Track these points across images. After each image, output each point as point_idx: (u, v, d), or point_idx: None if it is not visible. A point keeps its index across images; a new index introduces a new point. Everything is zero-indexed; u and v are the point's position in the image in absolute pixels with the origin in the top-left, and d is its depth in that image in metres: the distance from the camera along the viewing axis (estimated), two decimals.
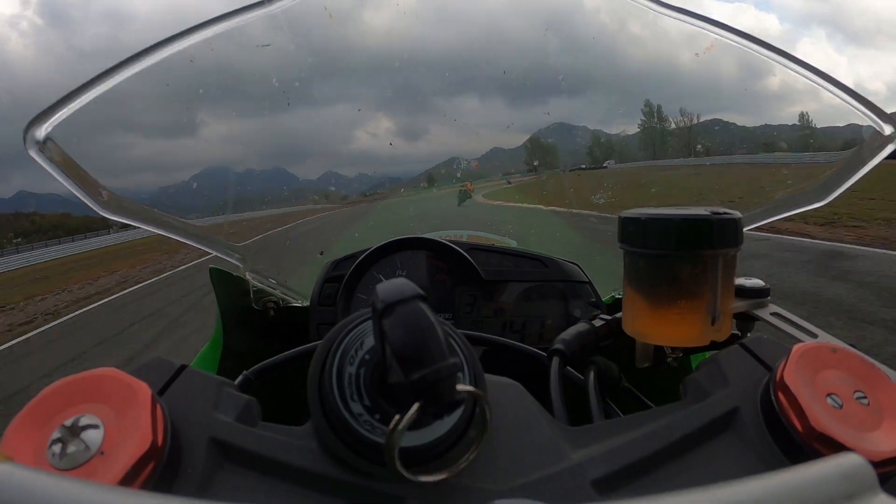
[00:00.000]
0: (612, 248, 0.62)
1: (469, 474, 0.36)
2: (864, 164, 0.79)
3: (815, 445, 0.36)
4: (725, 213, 0.51)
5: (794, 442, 0.38)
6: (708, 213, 0.51)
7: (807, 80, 0.77)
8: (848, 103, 0.76)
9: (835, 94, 0.76)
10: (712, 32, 0.82)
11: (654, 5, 0.82)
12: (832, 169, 0.85)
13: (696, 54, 0.89)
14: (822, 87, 0.77)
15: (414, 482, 0.34)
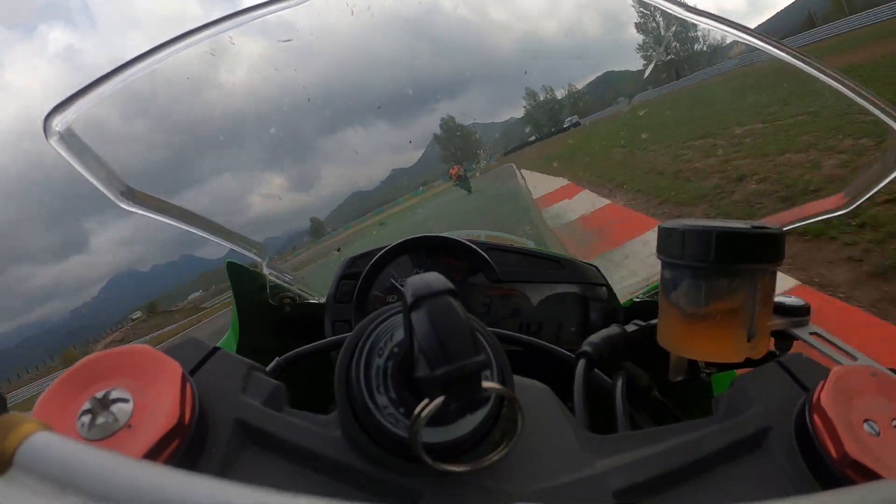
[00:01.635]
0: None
1: (489, 474, 0.36)
2: (890, 171, 0.78)
3: (848, 473, 0.35)
4: (766, 228, 0.49)
5: (827, 468, 0.36)
6: (748, 226, 0.49)
7: (828, 87, 0.76)
8: (872, 110, 0.74)
9: (857, 102, 0.74)
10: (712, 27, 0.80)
11: None
12: (857, 177, 0.84)
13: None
14: (845, 93, 0.75)
15: (434, 478, 0.34)
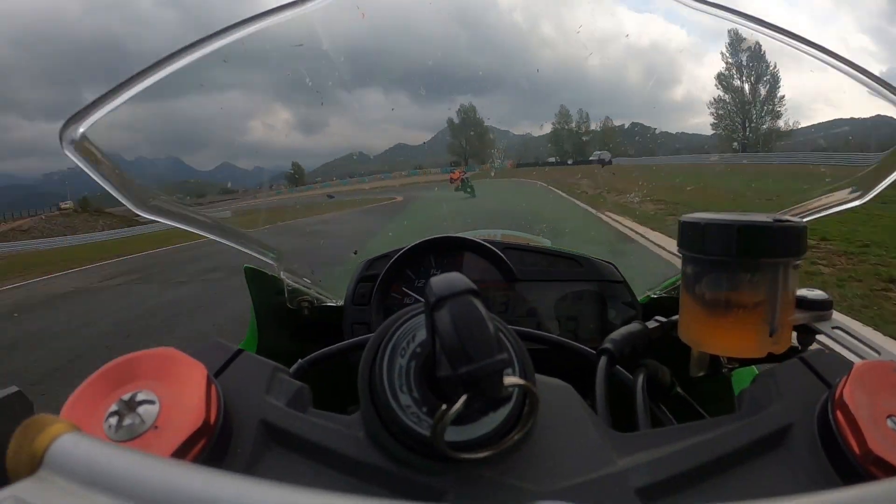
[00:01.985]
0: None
1: (512, 472, 0.36)
2: None
3: (871, 469, 0.35)
4: (788, 221, 0.49)
5: (850, 464, 0.36)
6: (770, 220, 0.49)
7: (837, 74, 0.75)
8: (890, 98, 0.73)
9: (874, 90, 0.73)
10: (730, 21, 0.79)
11: None
12: (871, 167, 0.84)
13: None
14: (862, 82, 0.74)
15: (457, 477, 0.34)
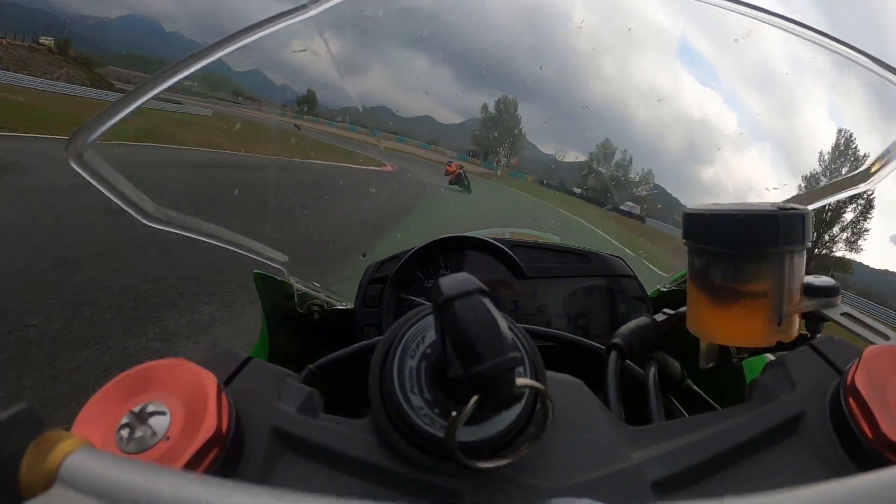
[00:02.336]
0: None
1: (526, 471, 0.36)
2: None
3: (886, 454, 0.34)
4: (792, 209, 0.49)
5: (864, 449, 0.36)
6: (774, 208, 0.49)
7: (850, 62, 0.75)
8: (888, 79, 0.73)
9: (881, 75, 0.73)
10: (747, 17, 0.80)
11: None
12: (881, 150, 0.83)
13: (735, 40, 0.87)
14: (868, 67, 0.74)
15: (471, 477, 0.34)
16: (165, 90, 0.72)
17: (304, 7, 0.79)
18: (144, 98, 0.71)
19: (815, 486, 0.23)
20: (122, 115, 0.71)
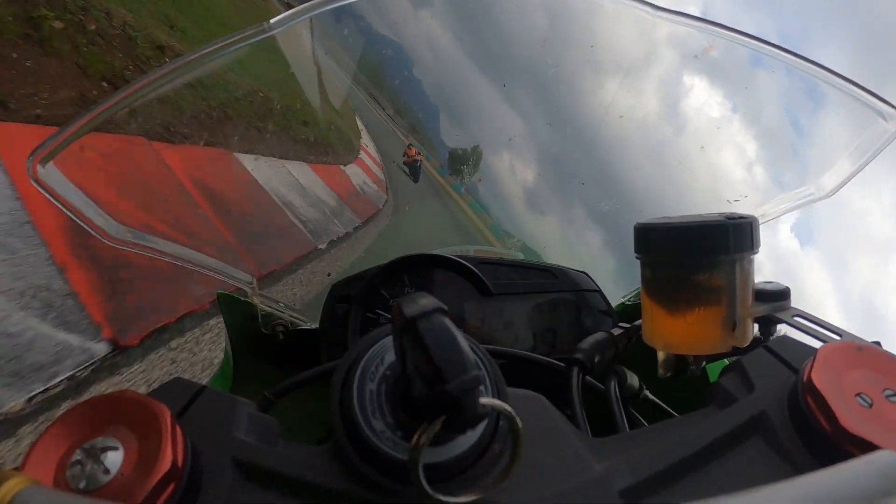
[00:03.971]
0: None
1: (493, 488, 0.36)
2: (866, 154, 0.80)
3: (846, 447, 0.35)
4: (741, 218, 0.50)
5: (825, 444, 0.37)
6: (722, 218, 0.50)
7: (804, 74, 0.78)
8: (850, 94, 0.76)
9: (835, 86, 0.76)
10: (708, 32, 0.82)
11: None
12: (837, 161, 0.85)
13: (696, 56, 0.90)
14: (821, 78, 0.77)
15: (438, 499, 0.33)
16: (124, 108, 0.71)
17: (261, 29, 0.79)
18: (108, 113, 0.70)
19: (776, 486, 0.23)
20: (84, 131, 0.70)
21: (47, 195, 0.70)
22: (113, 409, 0.36)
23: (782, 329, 0.57)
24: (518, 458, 0.34)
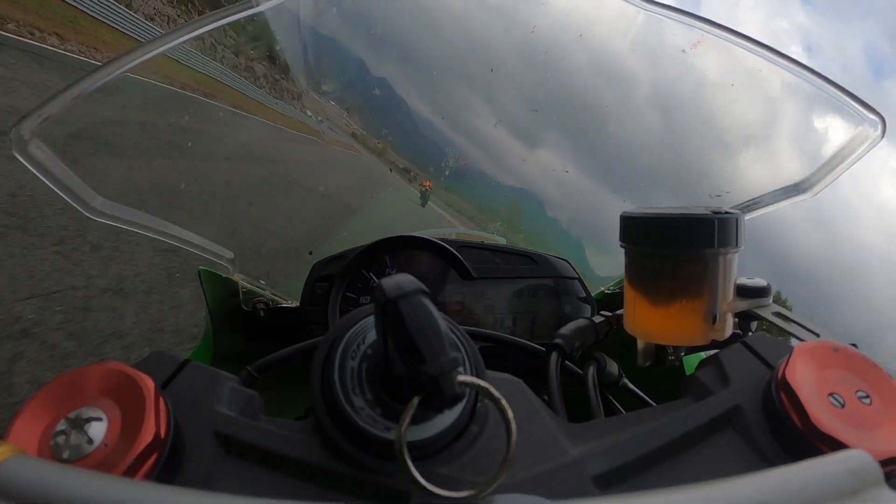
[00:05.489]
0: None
1: (468, 468, 0.36)
2: (849, 155, 0.81)
3: (817, 444, 0.36)
4: (726, 213, 0.51)
5: (796, 440, 0.38)
6: (709, 212, 0.51)
7: (790, 76, 0.79)
8: (833, 97, 0.77)
9: (820, 89, 0.77)
10: (699, 28, 0.83)
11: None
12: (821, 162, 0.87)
13: (683, 50, 0.90)
14: (808, 80, 0.78)
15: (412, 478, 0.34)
16: (114, 79, 0.70)
17: (249, 4, 0.78)
18: (92, 85, 0.70)
19: (748, 477, 0.24)
20: (69, 102, 0.69)
21: (29, 166, 0.69)
22: (97, 380, 0.36)
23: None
24: (511, 436, 0.34)
